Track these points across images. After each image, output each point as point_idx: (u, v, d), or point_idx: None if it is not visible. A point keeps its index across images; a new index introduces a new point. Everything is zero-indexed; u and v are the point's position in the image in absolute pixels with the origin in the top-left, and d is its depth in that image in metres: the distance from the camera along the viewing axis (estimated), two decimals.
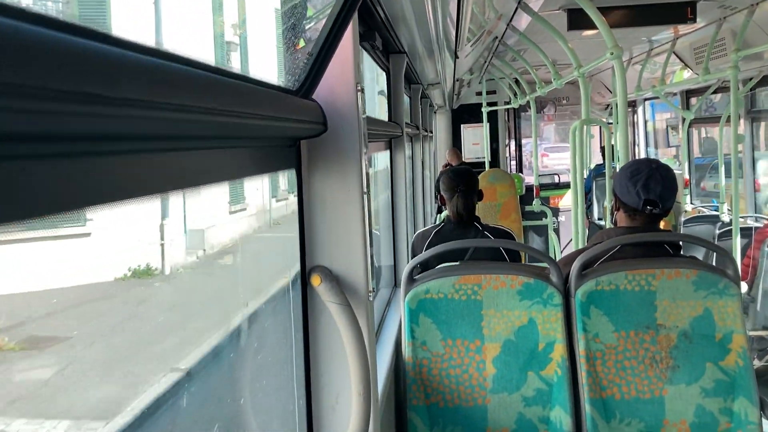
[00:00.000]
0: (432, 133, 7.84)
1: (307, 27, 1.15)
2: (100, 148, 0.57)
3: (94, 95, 0.48)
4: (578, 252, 2.38)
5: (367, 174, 1.31)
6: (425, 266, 2.56)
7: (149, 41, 0.63)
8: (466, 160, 8.81)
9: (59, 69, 0.44)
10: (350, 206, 1.28)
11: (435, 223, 4.22)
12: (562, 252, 7.43)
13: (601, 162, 8.63)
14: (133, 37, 0.59)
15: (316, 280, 1.26)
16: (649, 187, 2.23)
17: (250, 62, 1.32)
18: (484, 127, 8.77)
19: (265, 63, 1.32)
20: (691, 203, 7.22)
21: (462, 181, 2.88)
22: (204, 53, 1.02)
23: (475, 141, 9.38)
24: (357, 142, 1.25)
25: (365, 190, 1.30)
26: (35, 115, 0.43)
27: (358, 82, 1.25)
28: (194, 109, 0.67)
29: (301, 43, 1.15)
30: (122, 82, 0.53)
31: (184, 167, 0.80)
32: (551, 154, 15.77)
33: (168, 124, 0.63)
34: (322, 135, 1.22)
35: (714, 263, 3.42)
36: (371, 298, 1.30)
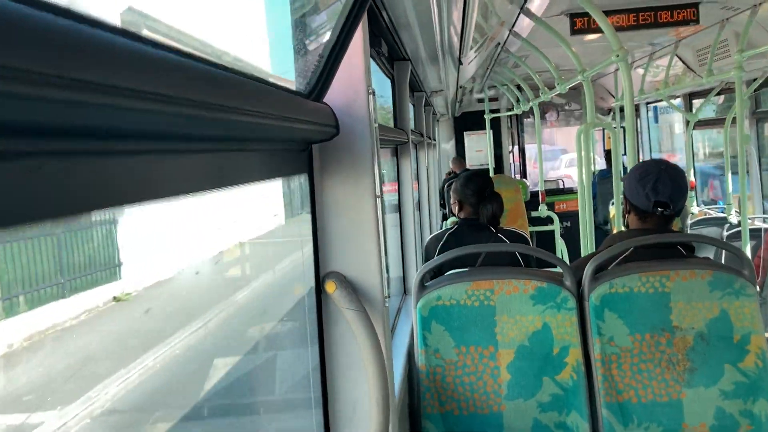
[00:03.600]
0: (435, 140, 7.84)
1: (317, 30, 1.14)
2: (111, 147, 0.55)
3: (108, 86, 0.46)
4: (590, 256, 2.36)
5: (381, 178, 1.29)
6: (438, 269, 2.54)
7: (161, 37, 0.62)
8: (470, 167, 8.79)
9: (75, 60, 0.42)
10: (363, 211, 1.26)
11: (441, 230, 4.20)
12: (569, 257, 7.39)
13: (605, 167, 8.61)
14: (143, 31, 0.58)
15: (330, 287, 1.23)
16: (658, 189, 2.21)
17: (261, 65, 1.30)
18: (488, 134, 8.76)
19: (276, 66, 1.30)
20: (698, 205, 7.17)
21: (488, 182, 2.90)
22: (218, 53, 1.01)
23: (478, 148, 9.36)
24: (369, 145, 1.24)
25: (378, 194, 1.28)
26: (45, 105, 0.41)
27: (368, 85, 1.23)
28: (208, 105, 0.65)
29: (312, 46, 1.13)
30: (135, 75, 0.51)
31: (196, 169, 0.78)
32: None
33: (181, 120, 0.61)
34: (334, 139, 1.20)
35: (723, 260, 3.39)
36: (387, 304, 1.28)
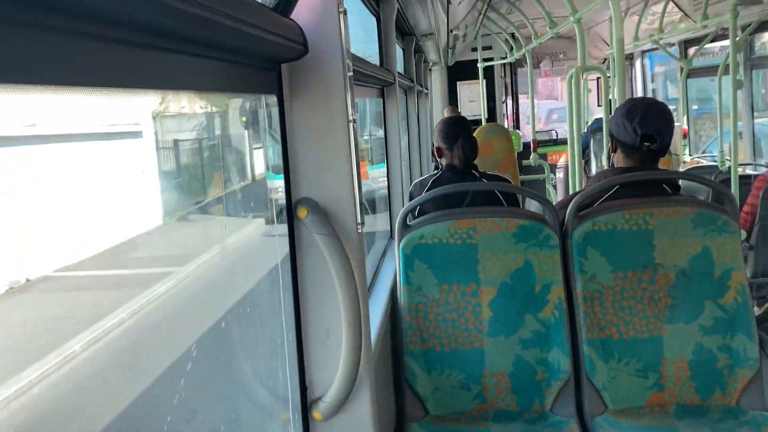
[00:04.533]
0: (427, 89, 7.74)
1: None
2: (86, 29, 0.55)
3: None
4: (575, 194, 2.35)
5: (353, 102, 1.26)
6: (422, 215, 2.53)
7: None
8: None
9: None
10: (336, 136, 1.24)
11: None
12: None
13: (598, 117, 8.54)
14: None
15: (302, 213, 1.22)
16: (645, 123, 2.19)
17: None
18: (481, 84, 8.66)
19: None
20: (690, 154, 7.15)
21: (463, 127, 2.87)
22: None
23: (472, 98, 9.27)
24: (340, 67, 1.20)
25: (351, 118, 1.25)
26: None
27: (339, 2, 1.19)
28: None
29: None
30: None
31: (167, 66, 0.76)
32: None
33: (150, 8, 0.60)
34: (303, 59, 1.17)
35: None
36: (360, 230, 1.27)
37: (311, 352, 1.27)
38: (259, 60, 1.07)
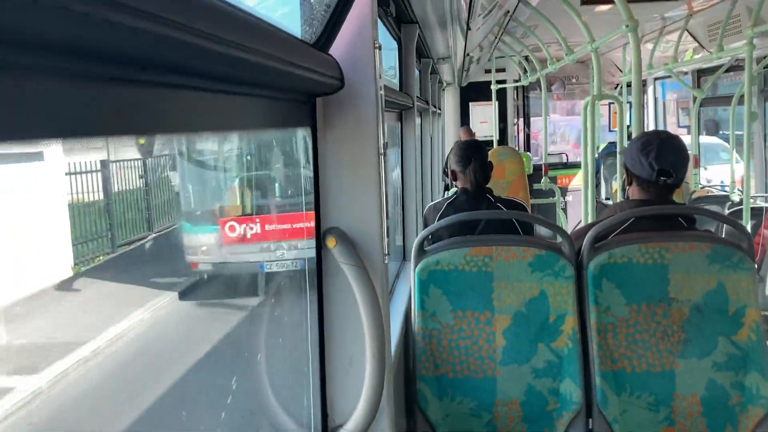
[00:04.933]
0: (440, 109, 7.79)
1: None
2: (116, 73, 0.55)
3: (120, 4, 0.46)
4: (591, 225, 2.36)
5: (384, 134, 1.28)
6: (436, 239, 2.55)
7: None
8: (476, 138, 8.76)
9: None
10: (366, 167, 1.26)
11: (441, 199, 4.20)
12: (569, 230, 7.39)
13: (610, 141, 8.56)
14: None
15: (331, 242, 1.24)
16: (661, 157, 2.20)
17: (267, 10, 1.28)
18: (493, 105, 8.70)
19: (283, 14, 1.29)
20: (701, 183, 7.16)
21: (476, 151, 2.88)
22: None
23: (483, 119, 9.31)
24: (374, 101, 1.23)
25: (381, 151, 1.27)
26: (53, 26, 0.41)
27: (375, 39, 1.22)
28: (215, 38, 0.64)
29: None
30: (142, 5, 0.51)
31: (203, 107, 0.78)
32: None
33: (188, 50, 0.60)
34: (339, 92, 1.19)
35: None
36: (386, 261, 1.29)
37: (333, 380, 1.29)
38: (297, 94, 1.10)
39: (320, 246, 1.26)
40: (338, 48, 1.17)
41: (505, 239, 2.27)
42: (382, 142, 1.27)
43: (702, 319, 2.16)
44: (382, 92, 1.26)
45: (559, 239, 2.28)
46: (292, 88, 1.06)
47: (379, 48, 1.24)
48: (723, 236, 4.72)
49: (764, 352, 2.14)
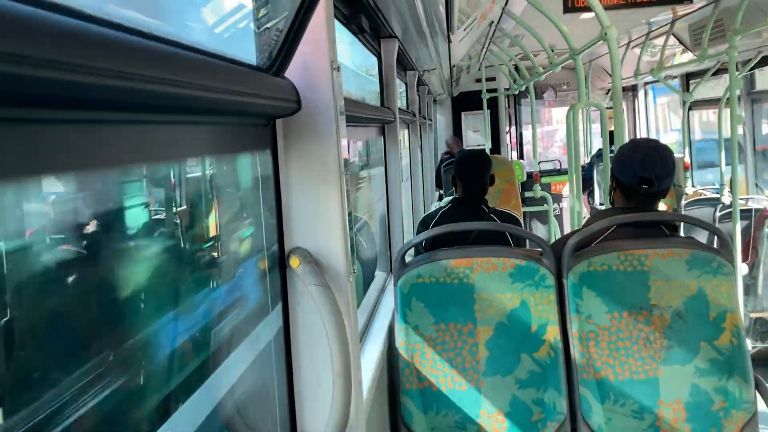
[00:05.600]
0: (431, 120, 7.81)
1: (277, 3, 1.13)
2: (72, 116, 0.58)
3: (69, 63, 0.50)
4: (571, 233, 2.37)
5: (345, 154, 1.29)
6: (429, 248, 2.55)
7: (118, 17, 0.65)
8: (467, 148, 8.78)
9: (36, 40, 0.46)
10: (328, 187, 1.27)
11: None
12: None
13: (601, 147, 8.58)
14: (103, 13, 0.62)
15: (294, 262, 1.24)
16: (645, 166, 2.21)
17: (219, 40, 1.30)
18: (484, 114, 8.73)
19: (235, 40, 1.30)
20: (693, 186, 7.17)
21: (478, 160, 2.93)
22: (171, 29, 1.01)
23: (476, 128, 9.34)
24: (333, 121, 1.24)
25: (343, 170, 1.28)
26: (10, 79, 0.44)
27: (333, 60, 1.23)
28: (164, 81, 0.67)
29: (272, 21, 1.13)
30: (96, 53, 0.54)
31: (158, 140, 0.80)
32: None
33: (139, 94, 0.63)
34: (297, 114, 1.20)
35: (715, 245, 3.42)
36: (351, 280, 1.29)
37: (302, 402, 1.29)
38: (254, 118, 1.11)
39: (284, 266, 1.27)
40: (294, 71, 1.19)
41: (485, 251, 2.27)
42: (342, 161, 1.28)
43: (683, 325, 2.16)
44: (342, 115, 1.27)
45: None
46: (247, 113, 1.08)
47: (338, 69, 1.25)
48: (716, 239, 4.72)
49: (746, 356, 2.14)
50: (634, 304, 2.17)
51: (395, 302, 2.28)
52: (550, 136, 11.52)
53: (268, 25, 1.13)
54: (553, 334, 2.20)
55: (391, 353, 2.36)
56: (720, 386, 2.13)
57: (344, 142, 1.27)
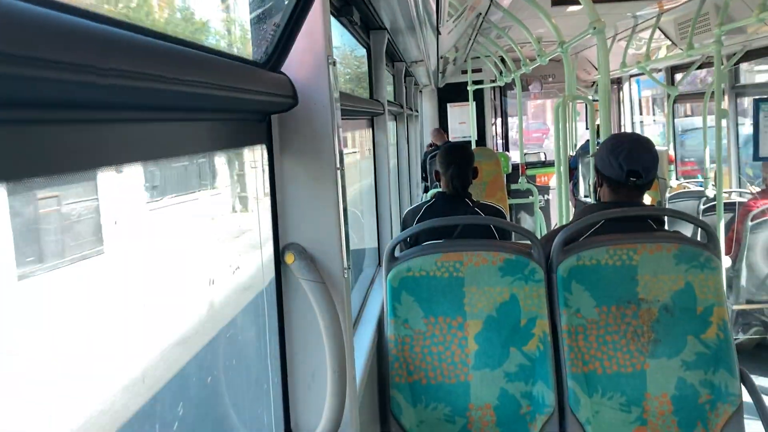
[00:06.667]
0: (417, 112, 7.80)
1: None
2: (65, 116, 0.57)
3: (63, 63, 0.49)
4: (561, 228, 2.38)
5: (341, 150, 1.28)
6: (414, 242, 2.55)
7: (112, 13, 0.64)
8: (452, 139, 8.79)
9: (34, 38, 0.45)
10: (324, 183, 1.26)
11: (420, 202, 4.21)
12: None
13: (587, 139, 8.63)
14: (93, 7, 0.61)
15: (289, 258, 1.24)
16: (631, 159, 2.23)
17: (216, 35, 1.28)
18: (470, 106, 8.73)
19: (232, 36, 1.29)
20: (676, 179, 7.23)
21: (459, 154, 2.89)
22: (167, 25, 1.00)
23: (461, 120, 9.34)
24: (329, 116, 1.23)
25: (339, 166, 1.27)
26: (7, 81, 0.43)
27: (329, 54, 1.22)
28: (160, 78, 0.66)
29: (269, 15, 1.12)
30: (87, 50, 0.53)
31: (154, 138, 0.79)
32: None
33: (134, 92, 0.62)
34: (293, 110, 1.19)
35: (699, 238, 3.47)
36: (346, 275, 1.29)
37: (296, 396, 1.29)
38: (250, 114, 1.10)
39: (279, 262, 1.26)
40: (291, 66, 1.18)
41: (475, 244, 2.28)
42: (339, 156, 1.27)
43: (671, 318, 2.19)
44: (338, 110, 1.27)
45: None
46: (244, 109, 1.07)
47: (334, 63, 1.24)
48: (699, 232, 4.77)
49: (732, 350, 2.17)
50: (622, 298, 2.19)
51: (385, 296, 2.29)
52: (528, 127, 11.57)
53: (265, 20, 1.11)
54: (542, 327, 2.21)
55: (380, 346, 2.36)
56: (706, 379, 2.16)
57: (340, 137, 1.27)
